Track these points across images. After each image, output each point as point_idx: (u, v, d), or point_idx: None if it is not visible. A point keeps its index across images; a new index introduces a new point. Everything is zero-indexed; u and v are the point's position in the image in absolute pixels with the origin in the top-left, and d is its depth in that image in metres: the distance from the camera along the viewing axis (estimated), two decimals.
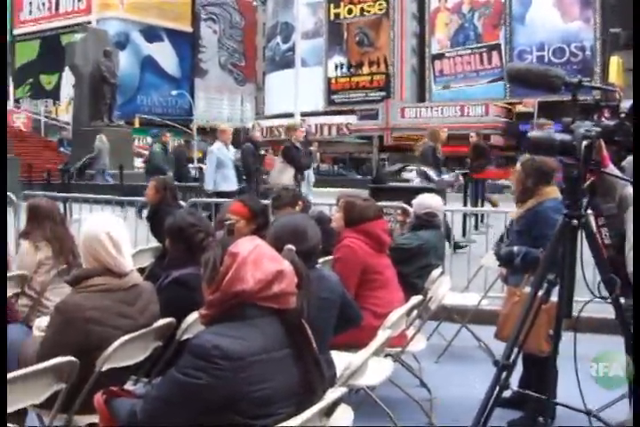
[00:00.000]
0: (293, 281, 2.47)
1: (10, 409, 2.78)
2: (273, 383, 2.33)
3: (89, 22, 45.44)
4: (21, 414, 3.30)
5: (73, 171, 21.36)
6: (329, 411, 2.55)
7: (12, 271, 4.88)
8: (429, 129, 12.38)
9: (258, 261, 2.42)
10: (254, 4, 59.56)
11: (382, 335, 3.60)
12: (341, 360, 3.36)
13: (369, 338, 3.55)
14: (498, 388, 3.02)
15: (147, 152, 23.65)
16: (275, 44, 54.15)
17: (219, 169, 11.48)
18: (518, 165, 4.61)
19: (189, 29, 57.25)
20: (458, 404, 4.49)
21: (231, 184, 11.73)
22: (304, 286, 2.52)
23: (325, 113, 47.83)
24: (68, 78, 41.53)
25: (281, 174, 11.34)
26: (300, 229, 3.41)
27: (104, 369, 3.11)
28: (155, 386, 2.64)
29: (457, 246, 9.76)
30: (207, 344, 2.26)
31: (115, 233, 3.35)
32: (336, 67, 50.12)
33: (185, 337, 3.51)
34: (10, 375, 2.74)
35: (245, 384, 2.26)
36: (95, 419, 2.77)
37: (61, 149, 30.06)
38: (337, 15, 49.96)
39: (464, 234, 10.79)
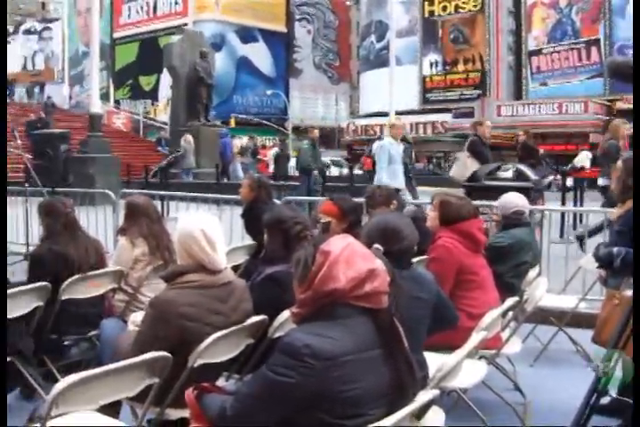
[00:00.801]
0: (386, 280, 2.44)
1: (105, 401, 2.85)
2: (364, 384, 2.30)
3: (186, 24, 46.25)
4: (116, 405, 3.39)
5: (157, 169, 21.87)
6: (420, 413, 2.52)
7: (110, 267, 5.00)
8: (610, 124, 11.13)
9: (350, 259, 2.39)
10: (348, 3, 59.56)
11: (477, 337, 3.53)
12: (434, 361, 3.30)
13: (463, 339, 3.47)
14: (596, 394, 2.92)
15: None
16: (369, 42, 53.98)
17: (388, 165, 11.26)
18: (619, 163, 4.45)
19: (284, 30, 57.67)
20: (553, 409, 4.39)
21: (399, 181, 11.48)
22: (394, 286, 2.48)
23: (420, 111, 47.43)
24: (165, 79, 42.45)
25: (468, 170, 10.89)
26: (389, 228, 3.37)
27: (196, 365, 3.15)
28: (245, 383, 2.65)
29: None
30: (297, 343, 2.26)
31: (209, 230, 3.38)
32: (431, 65, 49.63)
33: (277, 335, 3.52)
34: (105, 368, 2.80)
35: (336, 384, 2.25)
36: (186, 413, 2.80)
37: (159, 149, 30.74)
38: (431, 12, 49.47)
39: (562, 234, 10.52)
